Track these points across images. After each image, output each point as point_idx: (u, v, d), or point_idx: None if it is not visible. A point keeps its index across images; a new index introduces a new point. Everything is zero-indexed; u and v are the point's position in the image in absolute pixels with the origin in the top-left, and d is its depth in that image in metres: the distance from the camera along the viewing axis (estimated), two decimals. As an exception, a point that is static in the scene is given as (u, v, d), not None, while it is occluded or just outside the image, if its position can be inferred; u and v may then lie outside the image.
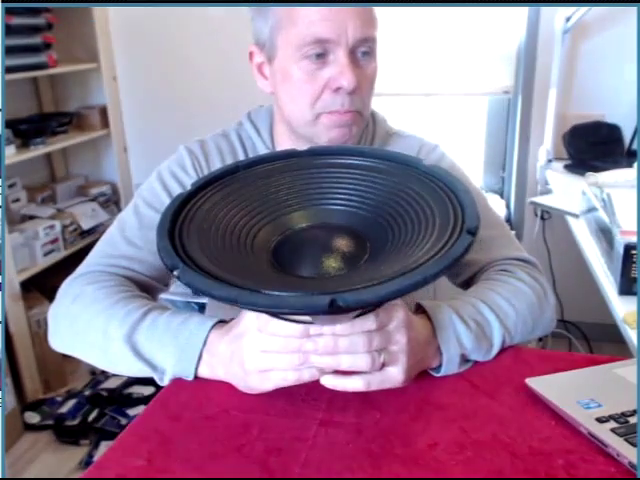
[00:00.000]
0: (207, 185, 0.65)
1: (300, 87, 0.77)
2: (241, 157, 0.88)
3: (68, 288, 0.77)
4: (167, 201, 0.83)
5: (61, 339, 0.75)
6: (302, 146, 0.85)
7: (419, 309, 0.70)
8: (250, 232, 0.62)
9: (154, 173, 0.87)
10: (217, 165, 0.86)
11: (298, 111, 0.79)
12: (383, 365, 0.58)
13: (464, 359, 0.68)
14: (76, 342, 0.73)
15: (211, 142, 0.89)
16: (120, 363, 0.69)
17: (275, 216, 0.64)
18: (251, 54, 0.84)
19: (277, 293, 0.49)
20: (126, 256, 0.79)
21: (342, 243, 0.60)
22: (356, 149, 0.68)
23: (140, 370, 0.68)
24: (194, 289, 0.51)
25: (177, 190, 0.84)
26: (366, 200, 0.63)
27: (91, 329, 0.70)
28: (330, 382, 0.58)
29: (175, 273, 0.52)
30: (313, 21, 0.73)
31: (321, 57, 0.75)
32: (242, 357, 0.60)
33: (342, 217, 0.64)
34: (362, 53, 0.76)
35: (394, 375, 0.59)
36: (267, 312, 0.56)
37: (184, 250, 0.56)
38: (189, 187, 0.85)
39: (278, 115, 0.87)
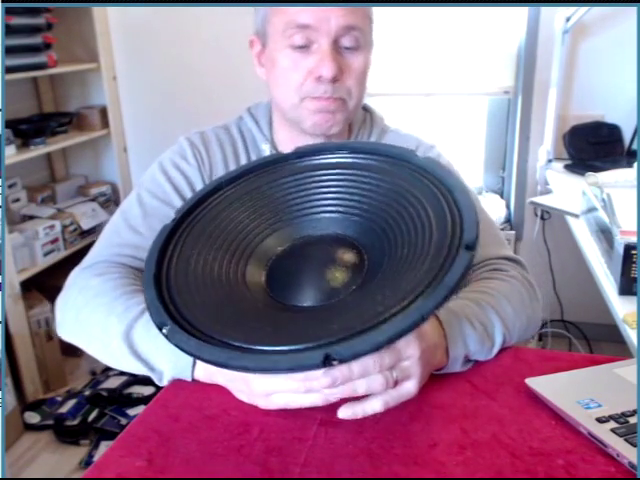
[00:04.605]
0: (192, 210, 0.63)
1: (285, 74, 0.80)
2: (240, 149, 0.90)
3: (75, 279, 0.78)
4: (170, 191, 0.84)
5: (67, 329, 0.76)
6: (296, 135, 0.85)
7: None
8: (240, 260, 0.60)
9: (155, 164, 0.88)
10: (217, 155, 0.88)
11: (284, 94, 0.82)
12: (396, 382, 0.57)
13: (466, 359, 0.68)
14: (80, 334, 0.74)
15: (211, 133, 0.90)
16: (120, 360, 0.69)
17: (266, 234, 0.62)
18: (251, 42, 0.88)
19: (268, 348, 0.48)
20: (131, 244, 0.80)
21: (338, 263, 0.58)
22: (345, 145, 0.66)
23: (138, 369, 0.68)
24: (183, 352, 0.50)
25: (179, 179, 0.85)
26: (359, 204, 0.61)
27: (93, 323, 0.71)
28: (349, 412, 0.56)
29: (164, 331, 0.51)
30: (297, 9, 0.77)
31: (305, 48, 0.78)
32: (248, 377, 0.58)
33: (335, 225, 0.62)
34: (347, 45, 0.78)
35: (409, 389, 0.57)
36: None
37: (170, 297, 0.54)
38: (191, 178, 0.86)
39: (273, 104, 0.89)
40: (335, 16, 0.76)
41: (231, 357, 0.48)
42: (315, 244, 0.61)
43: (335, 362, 0.45)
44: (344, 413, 0.56)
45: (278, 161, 0.67)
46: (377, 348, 0.47)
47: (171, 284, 0.56)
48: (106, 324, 0.69)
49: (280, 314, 0.55)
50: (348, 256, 0.59)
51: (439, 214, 0.54)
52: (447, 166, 0.89)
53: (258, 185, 0.65)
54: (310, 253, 0.61)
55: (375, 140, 0.91)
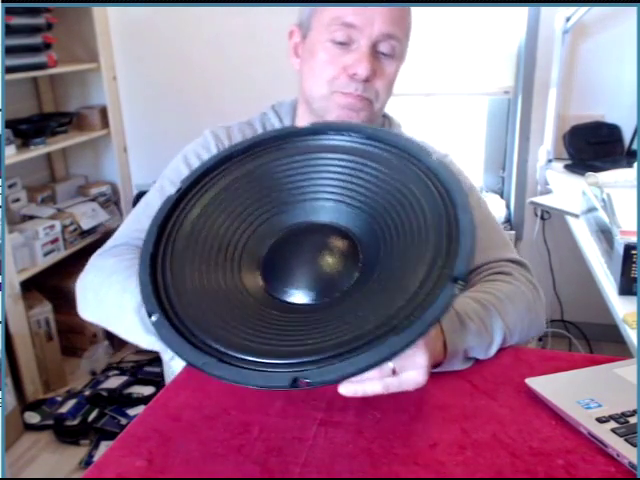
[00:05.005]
0: (198, 180, 0.63)
1: (322, 66, 0.84)
2: None
3: (95, 261, 0.80)
4: None
5: (88, 309, 0.78)
6: None
7: None
8: (239, 241, 0.61)
9: (179, 156, 0.90)
10: None
11: (316, 85, 0.85)
12: (394, 371, 0.56)
13: (465, 356, 0.68)
14: (100, 312, 0.76)
15: (235, 128, 0.93)
16: (134, 334, 0.71)
17: (267, 217, 0.62)
18: (291, 33, 0.90)
19: (243, 357, 0.49)
20: None
21: (333, 255, 0.58)
22: (358, 126, 0.65)
23: (150, 343, 0.69)
24: (166, 346, 0.52)
25: None
26: (363, 197, 0.60)
27: (109, 300, 0.73)
28: (350, 389, 0.56)
29: (153, 319, 0.53)
30: (345, 9, 0.80)
31: (345, 45, 0.81)
32: None
33: (337, 215, 0.61)
34: (383, 51, 0.82)
35: (414, 378, 0.57)
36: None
37: (164, 281, 0.56)
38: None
39: (300, 95, 0.91)
40: (378, 22, 0.79)
41: (206, 363, 0.50)
42: (314, 233, 0.61)
43: (303, 384, 0.47)
44: (345, 389, 0.57)
45: (290, 135, 0.67)
46: (345, 378, 0.49)
47: (166, 266, 0.57)
48: (121, 300, 0.71)
49: (267, 313, 0.55)
50: (345, 252, 0.59)
51: (438, 230, 0.53)
52: (458, 175, 0.90)
53: (265, 161, 0.65)
54: (306, 242, 0.61)
55: None
